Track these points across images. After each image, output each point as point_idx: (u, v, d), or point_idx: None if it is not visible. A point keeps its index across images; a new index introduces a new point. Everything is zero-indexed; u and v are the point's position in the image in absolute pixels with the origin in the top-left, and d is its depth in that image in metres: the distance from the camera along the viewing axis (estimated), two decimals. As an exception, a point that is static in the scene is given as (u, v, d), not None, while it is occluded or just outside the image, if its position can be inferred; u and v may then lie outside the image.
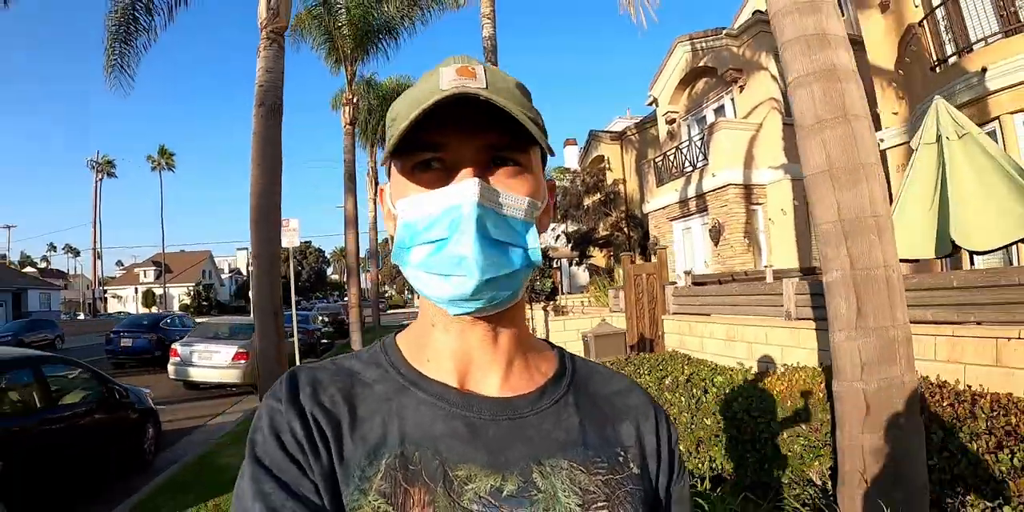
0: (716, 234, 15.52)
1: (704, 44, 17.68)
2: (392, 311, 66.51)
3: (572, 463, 0.84)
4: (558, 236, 25.68)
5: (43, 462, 5.95)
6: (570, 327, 13.86)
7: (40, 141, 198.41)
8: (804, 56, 4.10)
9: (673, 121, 20.16)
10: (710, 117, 18.47)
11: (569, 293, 25.79)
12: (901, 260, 4.78)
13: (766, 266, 11.56)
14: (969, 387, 4.60)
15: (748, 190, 15.33)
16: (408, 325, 0.95)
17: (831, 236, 3.96)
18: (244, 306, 74.82)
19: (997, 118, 9.41)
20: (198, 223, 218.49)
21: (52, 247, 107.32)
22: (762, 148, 15.58)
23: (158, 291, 79.35)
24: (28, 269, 69.07)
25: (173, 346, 14.45)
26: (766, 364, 7.81)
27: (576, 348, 12.68)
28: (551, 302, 17.43)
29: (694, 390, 6.17)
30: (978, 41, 9.92)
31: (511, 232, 0.81)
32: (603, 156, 26.71)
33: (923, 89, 10.97)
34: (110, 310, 74.70)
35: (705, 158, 16.33)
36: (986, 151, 5.73)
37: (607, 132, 27.49)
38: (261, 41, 8.61)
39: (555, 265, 33.91)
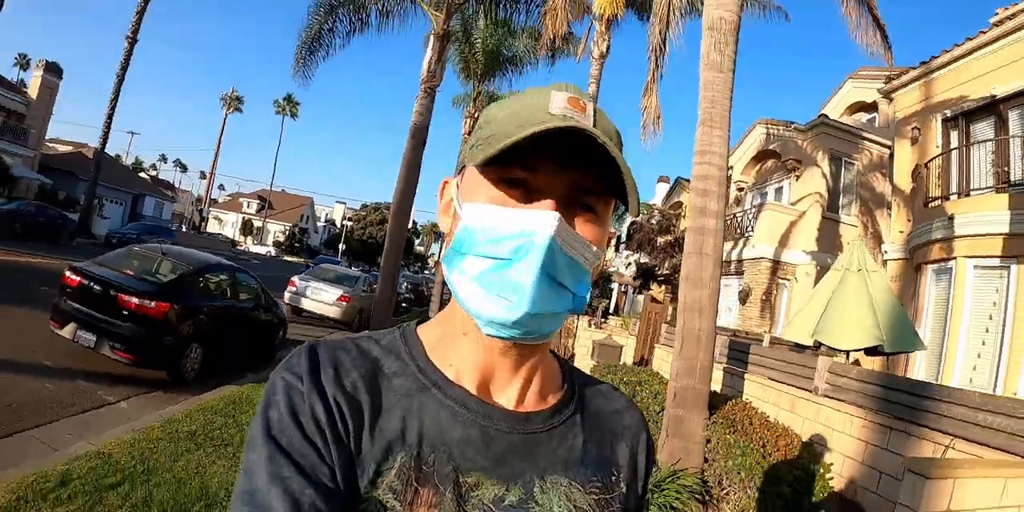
0: (744, 296, 18.25)
1: (776, 131, 20.15)
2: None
3: (571, 481, 0.89)
4: (629, 263, 28.39)
5: (226, 329, 9.44)
6: (595, 337, 16.63)
7: (180, 69, 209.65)
8: (692, 218, 7.18)
9: (742, 189, 22.71)
10: (770, 195, 20.96)
11: (627, 315, 28.38)
12: (773, 339, 7.86)
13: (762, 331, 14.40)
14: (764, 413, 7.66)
15: (777, 265, 17.93)
16: (429, 318, 0.99)
17: (681, 311, 7.09)
18: (331, 255, 77.26)
19: (955, 258, 11.93)
20: (303, 170, 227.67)
21: (163, 158, 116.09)
22: (799, 233, 18.10)
23: (257, 223, 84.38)
24: (141, 174, 72.98)
25: (292, 278, 18.22)
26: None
27: (585, 347, 16.24)
28: (596, 319, 20.33)
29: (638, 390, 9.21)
30: (951, 194, 12.53)
31: (569, 276, 0.80)
32: (682, 202, 28.83)
33: (921, 217, 13.54)
34: (209, 230, 78.32)
35: (752, 230, 18.91)
36: (866, 284, 8.53)
37: (689, 180, 29.17)
38: (419, 93, 12.03)
39: (622, 289, 36.70)
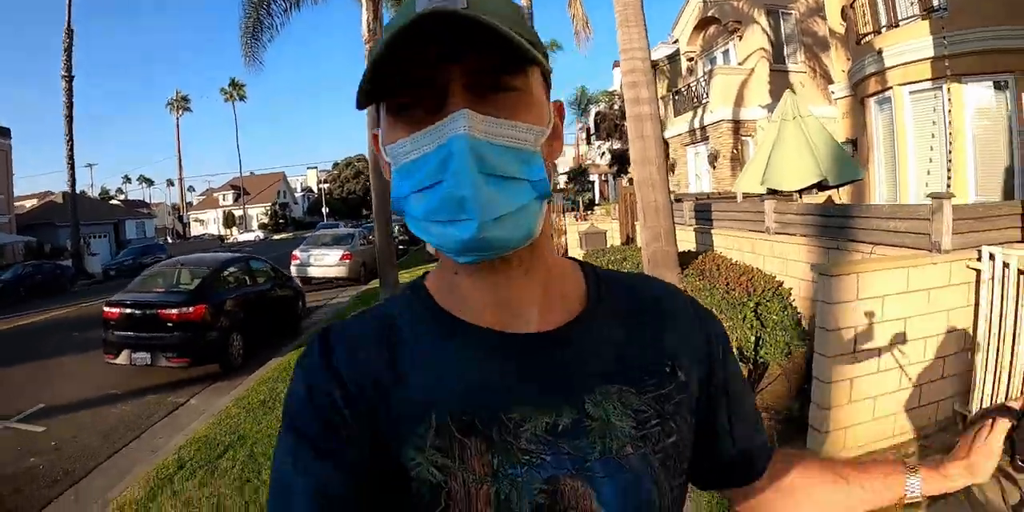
0: (713, 159, 19.05)
1: (712, -3, 20.48)
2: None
3: (621, 387, 0.84)
4: (603, 153, 29.07)
5: (255, 313, 10.41)
6: (579, 229, 17.31)
7: (108, 87, 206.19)
8: (629, 107, 7.91)
9: (691, 59, 23.24)
10: (719, 59, 21.54)
11: (611, 202, 29.19)
12: (744, 194, 8.81)
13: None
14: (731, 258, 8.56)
15: (738, 125, 18.61)
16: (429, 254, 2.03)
17: (637, 187, 7.94)
18: (317, 222, 77.69)
19: (891, 87, 12.64)
20: (268, 148, 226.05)
21: (127, 179, 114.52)
22: (752, 90, 18.72)
23: (237, 213, 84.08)
24: (113, 202, 72.61)
25: (293, 252, 19.32)
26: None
27: (574, 240, 17.03)
28: (581, 212, 21.11)
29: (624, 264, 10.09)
30: (880, 29, 13.12)
31: (514, 164, 0.74)
32: (639, 84, 29.01)
33: (856, 54, 14.18)
34: (193, 233, 78.86)
35: (708, 96, 19.51)
36: (803, 131, 9.31)
37: None
38: (365, 52, 12.49)
39: (603, 178, 37.47)
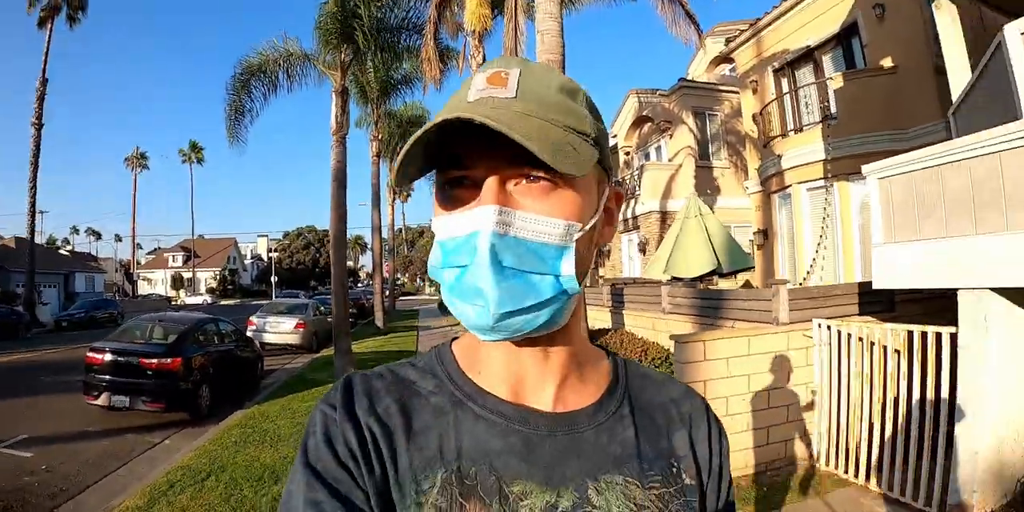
0: (643, 247, 20.84)
1: (646, 98, 22.58)
2: (404, 297, 70.73)
3: (627, 478, 0.85)
4: None
5: (222, 370, 11.52)
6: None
7: (59, 136, 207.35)
8: None
9: (628, 153, 25.18)
10: (652, 154, 23.54)
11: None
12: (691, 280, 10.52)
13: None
14: (636, 334, 9.95)
15: (665, 215, 20.34)
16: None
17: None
18: (265, 290, 79.60)
19: (791, 185, 14.49)
20: (221, 212, 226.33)
21: (75, 230, 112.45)
22: (679, 183, 20.56)
23: (186, 275, 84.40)
24: (61, 252, 70.22)
25: (250, 318, 20.34)
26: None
27: None
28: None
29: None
30: (786, 132, 15.08)
31: (537, 260, 0.76)
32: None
33: (764, 155, 16.13)
34: (141, 292, 78.78)
35: (639, 189, 21.37)
36: (703, 225, 10.98)
37: None
38: (333, 144, 14.18)
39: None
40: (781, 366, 6.65)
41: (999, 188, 4.82)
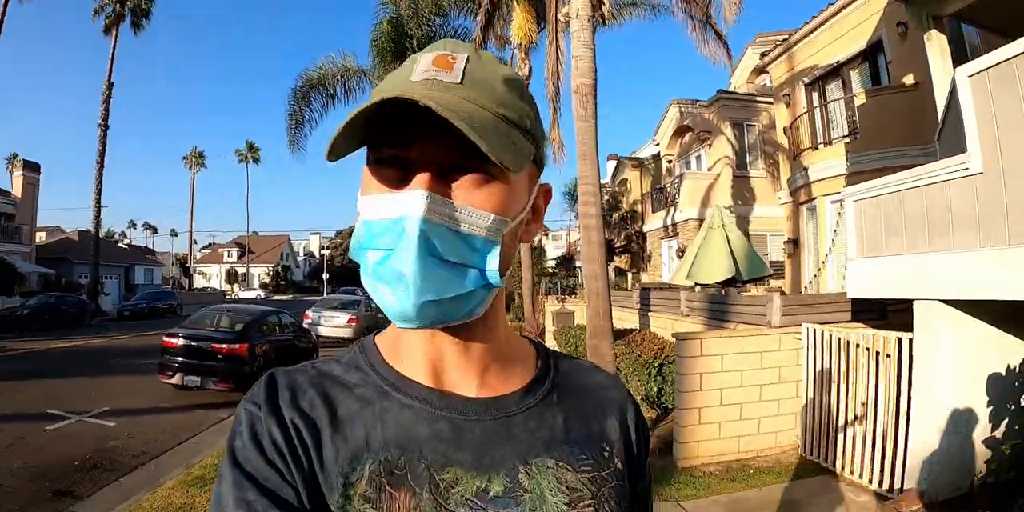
0: (680, 253, 21.41)
1: (687, 109, 23.28)
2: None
3: (558, 462, 0.86)
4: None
5: (282, 356, 12.56)
6: (554, 309, 19.65)
7: (128, 136, 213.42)
8: (581, 219, 10.25)
9: (671, 162, 25.91)
10: (693, 163, 24.15)
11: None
12: (669, 285, 11.30)
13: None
14: (658, 334, 10.80)
15: (702, 223, 20.63)
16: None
17: (586, 278, 10.26)
18: (316, 287, 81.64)
19: (816, 197, 15.19)
20: (275, 209, 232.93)
21: (132, 224, 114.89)
22: (717, 192, 21.19)
23: (240, 270, 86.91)
24: (119, 245, 74.57)
25: (306, 312, 21.62)
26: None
27: (548, 317, 19.10)
28: (564, 295, 23.42)
29: (581, 335, 12.35)
30: (816, 145, 15.77)
31: (465, 252, 0.77)
32: (626, 179, 31.93)
33: (794, 168, 16.81)
34: (196, 285, 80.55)
35: (679, 197, 22.11)
36: (725, 235, 11.81)
37: (630, 159, 32.53)
38: None
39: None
40: (772, 364, 7.48)
41: (948, 212, 5.61)
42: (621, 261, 31.34)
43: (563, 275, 32.71)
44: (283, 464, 0.77)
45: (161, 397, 11.44)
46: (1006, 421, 5.79)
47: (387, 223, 0.75)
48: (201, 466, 7.37)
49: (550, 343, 17.10)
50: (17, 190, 42.09)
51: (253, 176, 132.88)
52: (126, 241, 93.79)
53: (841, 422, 6.88)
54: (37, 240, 47.70)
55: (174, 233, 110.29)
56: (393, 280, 0.74)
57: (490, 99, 0.77)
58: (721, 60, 14.10)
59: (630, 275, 29.72)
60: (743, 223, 19.92)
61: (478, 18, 15.85)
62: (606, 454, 0.93)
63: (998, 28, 8.58)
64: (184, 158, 76.79)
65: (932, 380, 5.78)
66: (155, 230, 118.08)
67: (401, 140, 0.76)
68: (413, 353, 0.88)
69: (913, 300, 5.95)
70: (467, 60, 0.78)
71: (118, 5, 36.92)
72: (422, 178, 0.74)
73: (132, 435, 8.95)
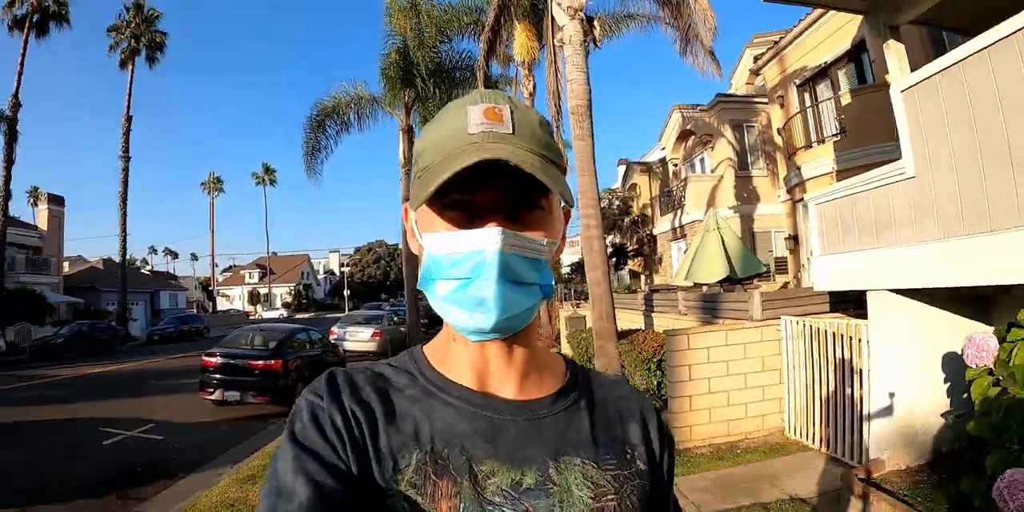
0: (690, 254, 22.22)
1: (689, 113, 23.92)
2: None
3: (584, 460, 0.95)
4: (606, 246, 31.65)
5: (313, 370, 13.30)
6: (567, 314, 20.31)
7: (142, 163, 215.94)
8: (584, 230, 11.01)
9: (676, 165, 26.56)
10: (697, 166, 24.90)
11: (615, 292, 31.84)
12: (673, 286, 12.12)
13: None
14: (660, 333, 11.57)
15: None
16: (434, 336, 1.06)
17: (590, 284, 11.02)
18: (338, 304, 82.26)
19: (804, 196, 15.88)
20: (293, 229, 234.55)
21: (153, 250, 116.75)
22: (721, 194, 21.91)
23: (262, 291, 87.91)
24: (142, 272, 75.57)
25: (332, 328, 22.40)
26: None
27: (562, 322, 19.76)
28: (578, 301, 24.08)
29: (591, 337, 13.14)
30: (797, 149, 16.49)
31: (529, 273, 0.88)
32: (636, 184, 32.44)
33: (789, 167, 17.54)
34: (219, 307, 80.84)
35: (685, 200, 22.86)
36: (720, 238, 12.57)
37: (639, 164, 32.97)
38: (401, 176, 16.11)
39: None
40: (756, 354, 8.25)
41: (890, 212, 6.35)
42: (634, 264, 31.80)
43: (578, 281, 33.31)
44: (340, 444, 0.86)
45: (202, 412, 12.35)
46: (964, 396, 6.43)
47: (460, 256, 0.85)
48: (250, 467, 8.28)
49: (563, 346, 18.04)
50: (43, 223, 43.27)
51: (270, 198, 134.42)
52: (148, 267, 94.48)
53: (819, 403, 7.61)
54: (63, 270, 48.82)
55: (195, 257, 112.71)
56: (473, 305, 0.86)
57: (537, 144, 0.88)
58: (710, 71, 14.73)
59: (643, 277, 30.30)
60: (747, 221, 20.70)
61: (482, 38, 16.42)
62: (628, 456, 1.02)
63: (958, 28, 9.16)
64: (202, 184, 77.72)
65: (888, 361, 6.43)
66: (175, 255, 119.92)
67: (466, 186, 0.84)
68: (461, 360, 0.98)
69: (867, 291, 6.68)
70: (510, 110, 0.89)
71: (133, 40, 38.37)
72: (496, 216, 0.86)
73: (181, 446, 9.84)
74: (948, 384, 6.38)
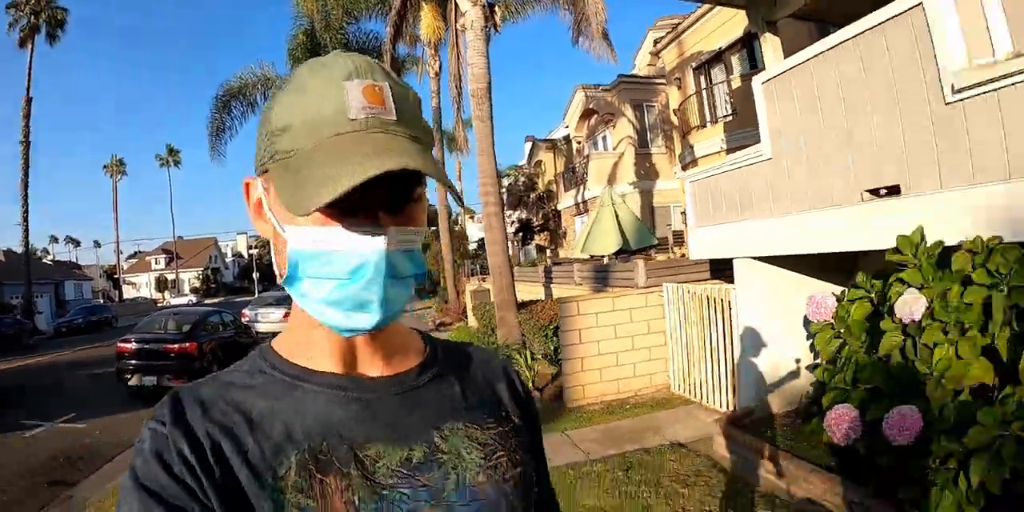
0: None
1: (591, 93, 24.68)
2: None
3: (466, 424, 0.95)
4: (513, 222, 32.69)
5: (227, 351, 13.61)
6: (472, 288, 20.94)
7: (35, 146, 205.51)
8: (484, 207, 11.66)
9: (580, 143, 27.39)
10: (599, 144, 25.81)
11: (519, 266, 32.57)
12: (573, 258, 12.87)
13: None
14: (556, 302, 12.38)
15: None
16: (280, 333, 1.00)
17: (489, 256, 11.71)
18: (247, 287, 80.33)
19: (702, 171, 16.87)
20: (199, 212, 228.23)
21: (54, 239, 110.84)
22: (622, 170, 22.89)
23: (170, 277, 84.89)
24: (44, 262, 70.64)
25: (243, 310, 22.46)
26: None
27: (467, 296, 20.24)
28: (484, 275, 24.74)
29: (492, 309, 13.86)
30: (691, 128, 17.43)
31: (409, 266, 0.83)
32: (541, 161, 33.12)
33: (684, 146, 18.51)
34: (126, 296, 77.17)
35: (587, 176, 23.73)
36: (615, 212, 13.38)
37: (544, 141, 33.54)
38: None
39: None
40: (641, 319, 9.04)
41: (749, 190, 7.15)
42: (541, 238, 32.60)
43: (485, 256, 33.93)
44: (192, 479, 0.78)
45: (120, 399, 12.40)
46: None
47: (339, 255, 0.78)
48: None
49: (470, 319, 18.64)
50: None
51: (175, 180, 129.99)
52: (49, 257, 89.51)
53: (697, 361, 8.44)
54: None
55: (97, 244, 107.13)
56: (354, 306, 0.80)
57: (417, 128, 0.82)
58: (605, 56, 15.36)
59: (548, 251, 31.10)
60: (647, 197, 21.68)
61: (389, 18, 16.80)
62: (503, 413, 1.03)
63: (837, 23, 9.96)
64: (104, 166, 74.12)
65: (750, 320, 7.18)
66: (78, 243, 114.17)
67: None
68: (324, 348, 0.92)
69: (733, 258, 7.48)
70: (389, 88, 0.80)
71: (32, 17, 36.75)
72: (376, 210, 0.79)
73: (104, 432, 9.98)
74: (810, 341, 7.22)
